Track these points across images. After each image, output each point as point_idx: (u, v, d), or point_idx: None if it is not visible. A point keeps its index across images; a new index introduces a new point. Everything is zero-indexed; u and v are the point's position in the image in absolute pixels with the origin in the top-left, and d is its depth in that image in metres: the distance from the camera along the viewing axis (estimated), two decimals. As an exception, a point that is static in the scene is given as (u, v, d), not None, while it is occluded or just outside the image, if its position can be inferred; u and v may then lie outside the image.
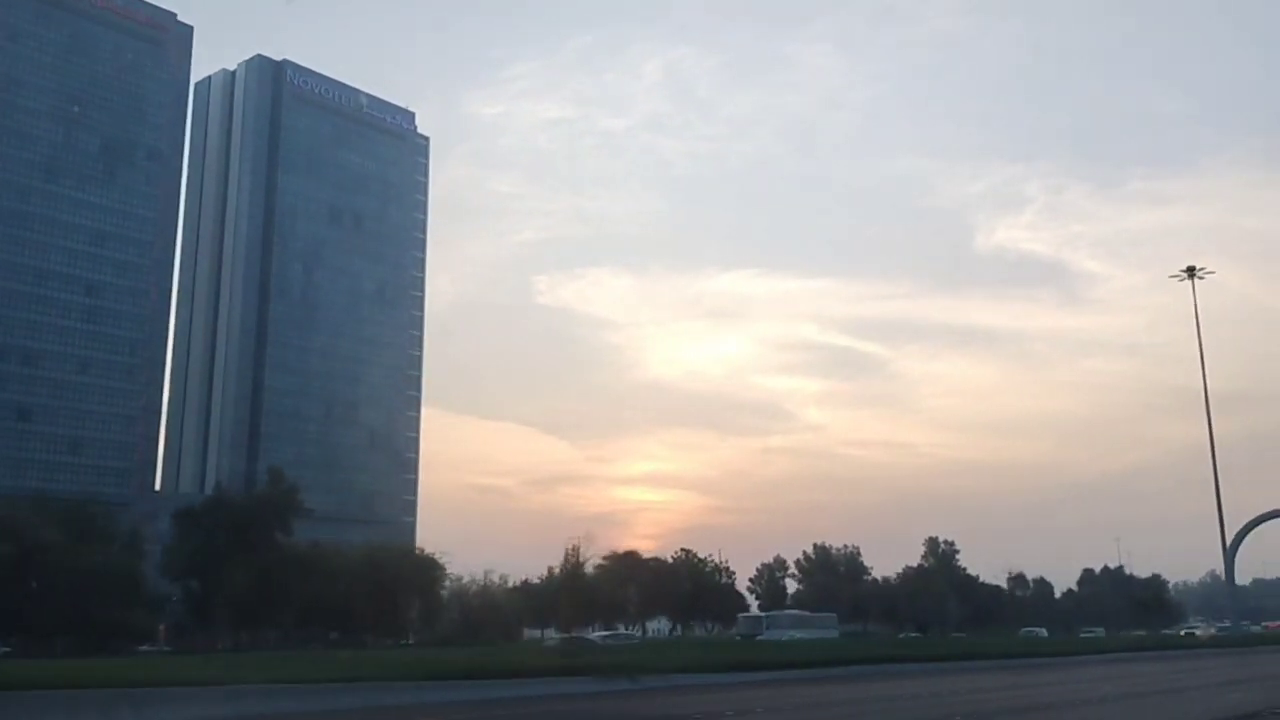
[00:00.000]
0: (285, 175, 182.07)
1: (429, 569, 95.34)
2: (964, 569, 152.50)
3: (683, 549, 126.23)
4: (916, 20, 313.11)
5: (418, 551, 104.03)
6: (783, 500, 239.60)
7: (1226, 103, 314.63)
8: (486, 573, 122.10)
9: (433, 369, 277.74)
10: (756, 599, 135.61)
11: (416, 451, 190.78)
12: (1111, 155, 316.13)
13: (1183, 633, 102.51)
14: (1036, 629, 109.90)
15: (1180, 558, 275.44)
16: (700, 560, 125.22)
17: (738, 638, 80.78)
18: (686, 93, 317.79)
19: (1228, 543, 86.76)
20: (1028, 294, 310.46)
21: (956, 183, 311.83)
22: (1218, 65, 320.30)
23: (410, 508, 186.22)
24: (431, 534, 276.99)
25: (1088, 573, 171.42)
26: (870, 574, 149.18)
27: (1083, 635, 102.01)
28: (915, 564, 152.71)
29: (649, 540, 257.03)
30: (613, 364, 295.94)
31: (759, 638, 75.02)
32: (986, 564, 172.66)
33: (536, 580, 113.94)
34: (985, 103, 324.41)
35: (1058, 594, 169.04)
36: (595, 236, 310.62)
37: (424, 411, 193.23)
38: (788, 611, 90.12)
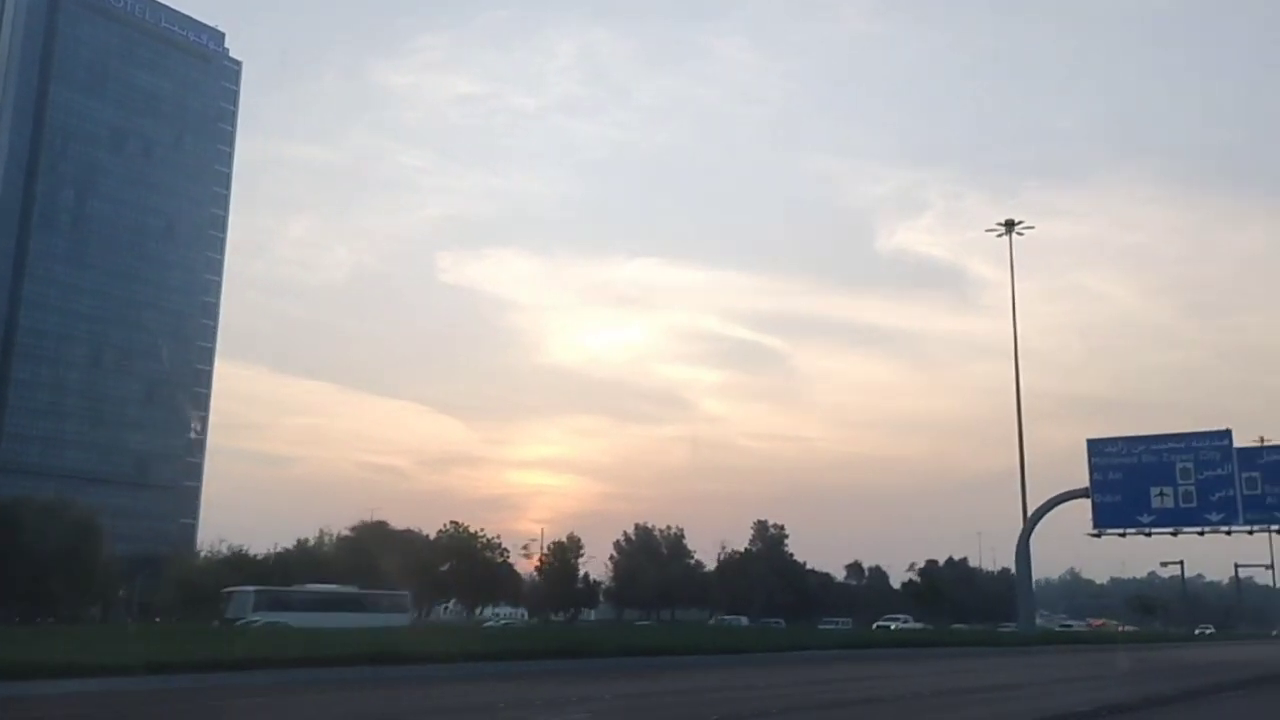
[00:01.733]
0: (60, 89, 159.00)
1: (81, 533, 76.72)
2: (791, 554, 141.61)
3: (451, 521, 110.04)
4: (831, 19, 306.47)
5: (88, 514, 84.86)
6: (678, 489, 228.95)
7: (1120, 120, 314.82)
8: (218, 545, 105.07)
9: (326, 343, 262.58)
10: (544, 579, 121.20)
11: (207, 409, 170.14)
12: (1007, 165, 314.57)
13: (875, 626, 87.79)
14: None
15: (1043, 555, 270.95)
16: (470, 535, 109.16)
17: (217, 623, 61.02)
18: (600, 76, 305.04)
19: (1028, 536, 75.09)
20: (925, 296, 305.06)
21: (861, 183, 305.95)
22: (1114, 83, 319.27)
23: (195, 471, 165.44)
24: (308, 510, 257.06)
25: (931, 564, 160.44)
26: (694, 557, 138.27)
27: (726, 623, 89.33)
28: (743, 548, 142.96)
29: (542, 524, 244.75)
30: (514, 346, 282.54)
31: (242, 622, 56.68)
32: (852, 554, 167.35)
33: (258, 555, 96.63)
34: (893, 106, 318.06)
35: (896, 584, 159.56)
36: (502, 216, 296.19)
37: (244, 370, 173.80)
38: (307, 587, 70.74)
